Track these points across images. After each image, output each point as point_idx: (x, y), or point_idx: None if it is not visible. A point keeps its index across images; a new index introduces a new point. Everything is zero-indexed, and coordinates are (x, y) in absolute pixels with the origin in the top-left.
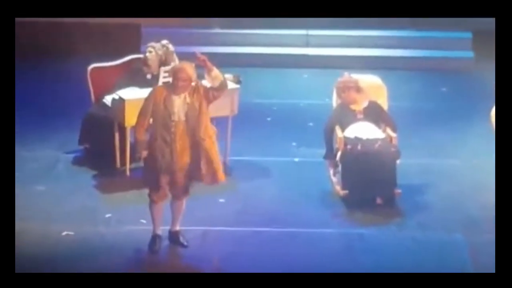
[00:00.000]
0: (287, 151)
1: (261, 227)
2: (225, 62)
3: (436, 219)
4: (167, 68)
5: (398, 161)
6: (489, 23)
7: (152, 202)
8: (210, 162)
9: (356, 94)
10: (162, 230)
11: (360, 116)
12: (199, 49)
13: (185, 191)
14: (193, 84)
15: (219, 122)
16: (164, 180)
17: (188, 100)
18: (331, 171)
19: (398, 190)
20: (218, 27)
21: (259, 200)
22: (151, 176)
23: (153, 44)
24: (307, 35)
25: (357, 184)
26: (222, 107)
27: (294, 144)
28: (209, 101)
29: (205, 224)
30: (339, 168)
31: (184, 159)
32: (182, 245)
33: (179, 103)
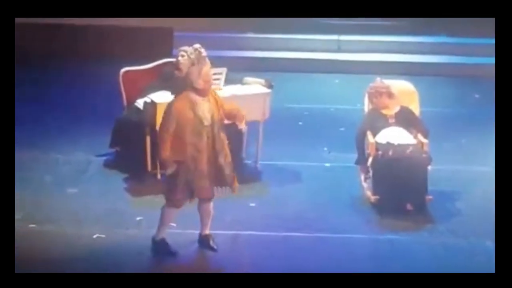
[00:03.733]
0: (318, 156)
1: (291, 232)
2: (257, 66)
3: (467, 226)
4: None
5: (429, 167)
6: None
7: (171, 207)
8: (231, 166)
9: (388, 99)
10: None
11: (391, 121)
12: (231, 54)
13: (212, 194)
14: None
15: (250, 126)
16: (194, 186)
17: (212, 101)
18: (362, 177)
19: (429, 196)
20: (250, 32)
21: (289, 205)
22: (180, 183)
23: (185, 48)
24: (338, 40)
25: (388, 190)
26: (253, 111)
27: (325, 149)
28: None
29: (235, 228)
30: (370, 173)
31: (215, 163)
32: (212, 249)
33: (207, 107)
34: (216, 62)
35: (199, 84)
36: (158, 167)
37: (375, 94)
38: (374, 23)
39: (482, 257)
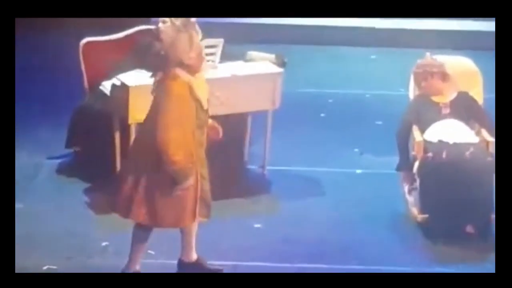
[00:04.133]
0: (346, 160)
1: (308, 263)
2: (265, 36)
3: None
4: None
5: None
6: None
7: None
8: None
9: (441, 82)
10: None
11: (446, 111)
12: (229, 20)
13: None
14: None
15: (256, 118)
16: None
17: (203, 78)
18: (406, 188)
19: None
20: None
21: (307, 226)
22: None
23: None
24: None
25: (440, 205)
26: (259, 99)
27: (356, 150)
28: None
29: (234, 257)
30: (417, 183)
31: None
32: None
33: (203, 86)
34: (210, 30)
35: (191, 58)
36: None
37: (424, 75)
38: None
39: None
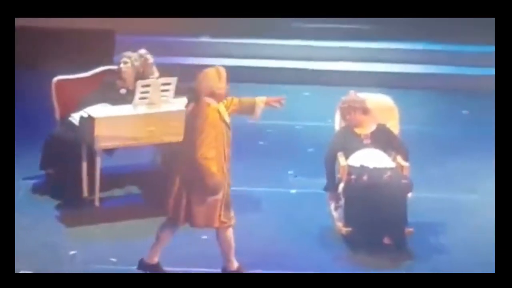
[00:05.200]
0: (282, 181)
1: (250, 269)
2: None
3: (453, 262)
4: (145, 82)
5: (410, 195)
6: None
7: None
8: None
9: (362, 116)
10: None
11: (366, 141)
12: (183, 60)
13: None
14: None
15: None
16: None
17: (226, 104)
18: (332, 205)
19: (409, 229)
20: (205, 36)
21: (248, 238)
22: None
23: (129, 54)
24: (308, 46)
25: (362, 220)
26: None
27: (290, 172)
28: None
29: (185, 264)
30: (342, 201)
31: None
32: None
33: (225, 111)
34: (165, 70)
35: (220, 88)
36: (97, 193)
37: (348, 110)
38: (349, 26)
39: None
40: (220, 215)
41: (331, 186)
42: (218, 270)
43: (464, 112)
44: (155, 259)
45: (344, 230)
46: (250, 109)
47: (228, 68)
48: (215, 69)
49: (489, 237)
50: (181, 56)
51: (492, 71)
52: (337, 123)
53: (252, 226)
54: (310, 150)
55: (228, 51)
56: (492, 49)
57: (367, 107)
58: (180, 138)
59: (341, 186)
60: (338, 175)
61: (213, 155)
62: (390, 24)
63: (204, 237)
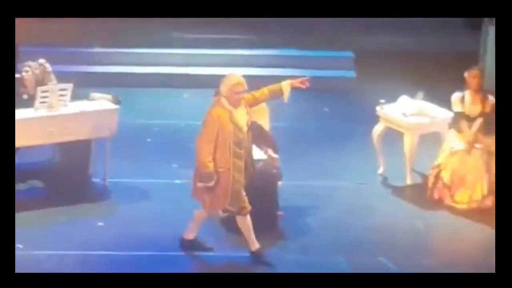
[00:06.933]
0: (168, 173)
1: (141, 251)
2: (104, 82)
3: (319, 242)
4: (44, 88)
5: (280, 183)
6: (371, 42)
7: (239, 215)
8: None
9: None
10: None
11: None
12: (77, 68)
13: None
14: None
15: (97, 143)
16: (244, 192)
17: (247, 110)
18: None
19: (280, 213)
20: (97, 46)
21: (139, 223)
22: (224, 191)
23: (29, 63)
24: (188, 54)
25: None
26: (100, 128)
27: (175, 165)
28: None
29: (84, 248)
30: None
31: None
32: (268, 264)
33: (242, 116)
34: (62, 77)
35: (236, 93)
36: None
37: None
38: (223, 37)
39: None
40: (224, 203)
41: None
42: (112, 252)
43: (325, 109)
44: (191, 236)
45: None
46: (279, 94)
47: (117, 75)
48: (236, 76)
49: (352, 218)
50: (76, 64)
51: (349, 73)
52: None
53: (142, 212)
54: (192, 145)
55: (115, 59)
56: (349, 54)
57: None
58: (76, 137)
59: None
60: None
61: (210, 148)
62: (260, 33)
63: (100, 223)
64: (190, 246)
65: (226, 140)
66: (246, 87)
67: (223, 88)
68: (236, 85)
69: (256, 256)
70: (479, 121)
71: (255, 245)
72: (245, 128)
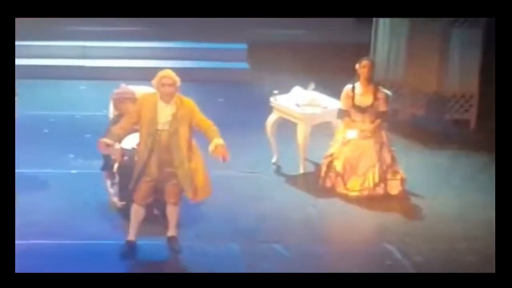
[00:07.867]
0: (64, 163)
1: (40, 239)
2: None
3: (212, 229)
4: None
5: None
6: (264, 35)
7: (132, 203)
8: (190, 178)
9: (132, 105)
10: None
11: (137, 127)
12: None
13: (175, 198)
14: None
15: None
16: (145, 185)
17: (174, 110)
18: (109, 183)
19: None
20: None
21: (37, 213)
22: (131, 179)
23: None
24: (83, 46)
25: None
26: None
27: (71, 156)
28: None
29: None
30: (116, 179)
31: (167, 169)
32: (176, 251)
33: (166, 112)
34: None
35: (162, 85)
36: None
37: (120, 100)
38: (118, 29)
39: (227, 260)
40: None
41: (107, 166)
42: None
43: (220, 100)
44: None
45: (119, 203)
46: (209, 139)
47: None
48: (166, 70)
49: (244, 206)
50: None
51: (243, 65)
52: (111, 112)
53: (40, 202)
54: (88, 136)
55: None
56: (242, 46)
57: (136, 97)
58: None
59: (115, 166)
60: (113, 157)
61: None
62: (156, 26)
63: None
64: (133, 249)
65: (142, 127)
66: (175, 80)
67: (154, 80)
68: (163, 77)
69: (172, 241)
70: (371, 111)
71: (170, 232)
72: (162, 125)
